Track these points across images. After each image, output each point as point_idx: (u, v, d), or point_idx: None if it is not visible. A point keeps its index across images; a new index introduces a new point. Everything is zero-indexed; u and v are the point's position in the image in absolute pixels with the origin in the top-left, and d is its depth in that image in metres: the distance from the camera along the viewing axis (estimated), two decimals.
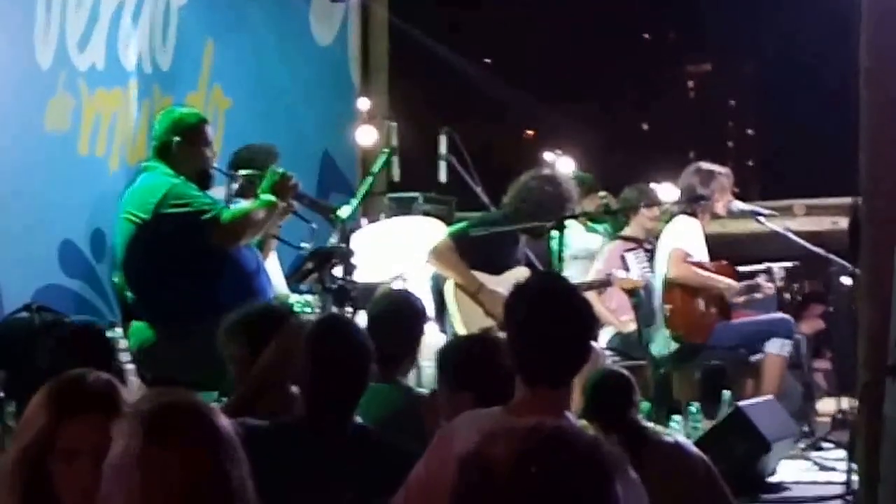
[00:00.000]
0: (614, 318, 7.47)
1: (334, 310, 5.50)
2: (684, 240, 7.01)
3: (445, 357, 3.96)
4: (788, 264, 7.36)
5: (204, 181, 5.54)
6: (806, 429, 6.93)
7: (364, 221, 6.96)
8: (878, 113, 4.82)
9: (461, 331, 6.10)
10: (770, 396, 6.47)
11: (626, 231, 7.90)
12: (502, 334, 3.28)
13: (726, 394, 6.55)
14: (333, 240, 5.76)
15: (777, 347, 6.93)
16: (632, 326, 7.18)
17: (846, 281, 7.07)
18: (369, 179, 6.22)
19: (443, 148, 6.67)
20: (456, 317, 6.22)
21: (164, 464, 2.04)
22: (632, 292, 7.00)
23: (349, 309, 5.46)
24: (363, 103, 8.73)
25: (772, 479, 5.98)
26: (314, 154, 7.92)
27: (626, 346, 7.30)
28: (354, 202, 5.96)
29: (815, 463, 6.40)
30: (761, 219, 7.34)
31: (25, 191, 5.61)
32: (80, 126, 5.94)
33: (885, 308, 4.57)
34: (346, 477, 3.45)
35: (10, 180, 5.53)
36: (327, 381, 3.60)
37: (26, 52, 5.65)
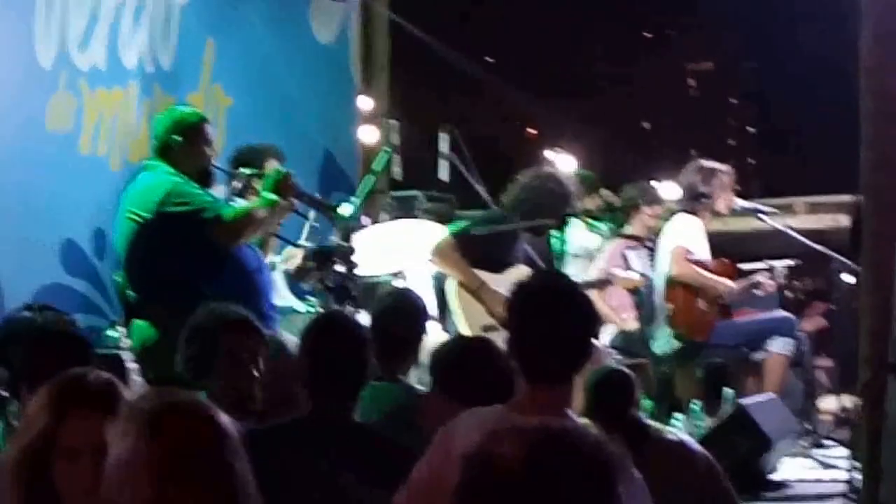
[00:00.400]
0: (616, 316, 7.47)
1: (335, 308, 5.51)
2: (686, 238, 7.01)
3: (434, 364, 3.97)
4: (790, 262, 7.36)
5: (205, 180, 5.54)
6: (808, 426, 6.92)
7: (366, 220, 6.96)
8: (879, 111, 4.82)
9: (464, 329, 6.10)
10: (772, 394, 6.47)
11: (628, 229, 7.90)
12: (504, 332, 3.28)
13: (728, 392, 6.56)
14: (335, 238, 5.76)
15: (779, 346, 6.93)
16: (633, 324, 7.18)
17: (848, 279, 7.07)
18: (371, 178, 6.21)
19: (444, 146, 6.67)
20: (458, 315, 6.22)
21: (172, 463, 2.04)
22: (633, 290, 7.00)
23: (350, 307, 5.47)
24: (364, 102, 8.73)
25: (774, 477, 5.99)
26: (315, 153, 7.91)
27: (628, 344, 7.30)
28: (356, 201, 5.96)
29: (817, 461, 6.41)
30: (763, 216, 7.34)
31: (27, 190, 5.61)
32: (81, 126, 5.94)
33: (887, 306, 4.58)
34: (349, 470, 3.45)
35: (11, 180, 5.52)
36: (325, 376, 3.61)
37: (27, 52, 5.65)
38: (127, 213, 5.42)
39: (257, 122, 7.09)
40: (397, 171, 6.36)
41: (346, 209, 5.70)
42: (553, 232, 6.20)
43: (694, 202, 7.06)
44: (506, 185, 6.58)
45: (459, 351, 4.02)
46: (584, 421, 3.66)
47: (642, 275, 6.99)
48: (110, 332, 5.47)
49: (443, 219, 7.22)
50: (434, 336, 5.36)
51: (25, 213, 5.59)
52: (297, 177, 5.59)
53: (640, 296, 6.97)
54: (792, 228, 7.38)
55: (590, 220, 8.25)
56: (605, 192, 8.45)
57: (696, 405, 6.28)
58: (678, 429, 5.67)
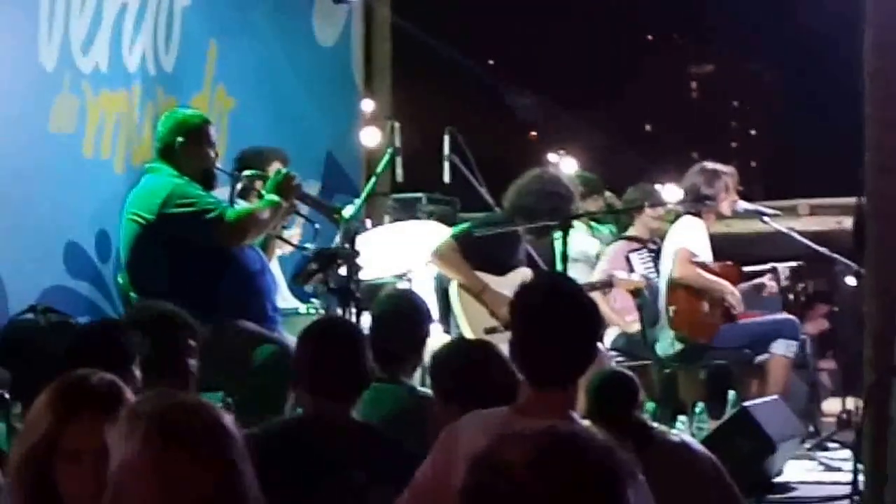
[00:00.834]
0: (619, 318, 7.46)
1: (339, 311, 5.50)
2: (690, 240, 7.00)
3: (433, 369, 3.97)
4: (793, 264, 7.35)
5: (208, 181, 5.55)
6: (811, 429, 6.91)
7: (368, 223, 6.95)
8: (883, 113, 4.82)
9: (466, 331, 6.10)
10: (776, 397, 6.46)
11: (631, 231, 7.89)
12: (507, 334, 3.28)
13: (732, 394, 6.54)
14: (337, 240, 5.75)
15: (783, 348, 6.92)
16: (636, 327, 7.17)
17: (851, 281, 7.06)
18: (373, 180, 6.21)
19: (446, 148, 6.66)
20: (461, 317, 6.22)
21: (180, 466, 2.03)
22: (636, 293, 6.99)
23: (353, 310, 5.46)
24: (367, 104, 8.73)
25: (777, 480, 5.97)
26: (318, 155, 7.91)
27: (631, 346, 7.29)
28: (358, 202, 5.96)
29: (821, 463, 6.39)
30: (766, 219, 7.33)
31: (30, 192, 5.61)
32: (84, 128, 5.93)
33: (891, 308, 4.57)
34: (354, 467, 3.45)
35: (14, 182, 5.52)
36: (324, 378, 3.62)
37: (30, 55, 5.64)
38: (130, 214, 5.42)
39: (260, 124, 7.10)
40: (399, 172, 6.34)
41: (348, 211, 5.70)
42: (555, 234, 6.18)
43: (697, 204, 7.05)
44: (507, 188, 6.57)
45: (457, 355, 4.02)
46: (586, 423, 3.66)
47: (645, 277, 6.98)
48: None
49: (445, 221, 7.21)
50: (436, 338, 5.36)
51: (28, 215, 5.58)
52: (299, 178, 5.59)
53: (643, 298, 6.96)
54: (795, 230, 7.36)
55: (592, 223, 8.25)
56: (608, 195, 8.44)
57: (699, 407, 6.27)
58: (681, 431, 5.66)
